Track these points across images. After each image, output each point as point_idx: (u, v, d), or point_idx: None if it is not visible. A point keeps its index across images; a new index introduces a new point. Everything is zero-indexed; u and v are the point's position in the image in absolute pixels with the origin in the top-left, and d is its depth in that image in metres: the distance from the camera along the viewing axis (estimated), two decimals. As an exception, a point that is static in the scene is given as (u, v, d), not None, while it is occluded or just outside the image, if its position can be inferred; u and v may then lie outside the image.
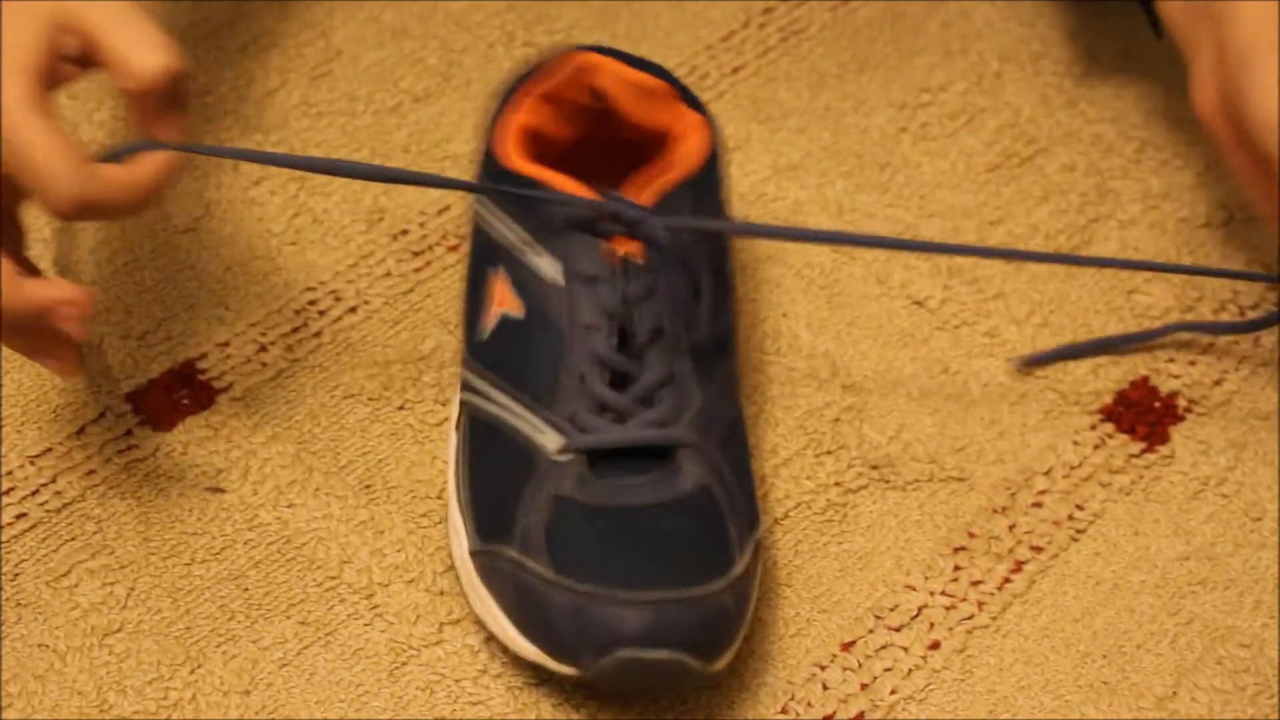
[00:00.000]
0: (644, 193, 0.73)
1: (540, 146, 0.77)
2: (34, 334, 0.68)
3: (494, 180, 0.75)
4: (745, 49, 0.95)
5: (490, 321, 0.74)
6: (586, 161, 0.80)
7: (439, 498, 0.76)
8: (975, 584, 0.75)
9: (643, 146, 0.79)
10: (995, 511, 0.77)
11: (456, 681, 0.71)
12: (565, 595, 0.66)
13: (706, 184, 0.75)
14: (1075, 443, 0.79)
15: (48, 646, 0.71)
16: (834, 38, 0.96)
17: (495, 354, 0.73)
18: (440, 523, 0.75)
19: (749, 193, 0.88)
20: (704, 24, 0.96)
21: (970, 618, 0.74)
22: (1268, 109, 0.60)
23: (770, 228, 0.73)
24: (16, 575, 0.73)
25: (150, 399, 0.78)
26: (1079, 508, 0.77)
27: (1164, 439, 0.80)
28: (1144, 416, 0.80)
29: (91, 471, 0.76)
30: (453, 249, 0.85)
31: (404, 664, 0.71)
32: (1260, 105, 0.60)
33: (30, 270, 0.70)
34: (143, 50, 0.66)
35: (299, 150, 0.88)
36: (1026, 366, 0.81)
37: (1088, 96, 0.94)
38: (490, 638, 0.71)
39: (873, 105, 0.93)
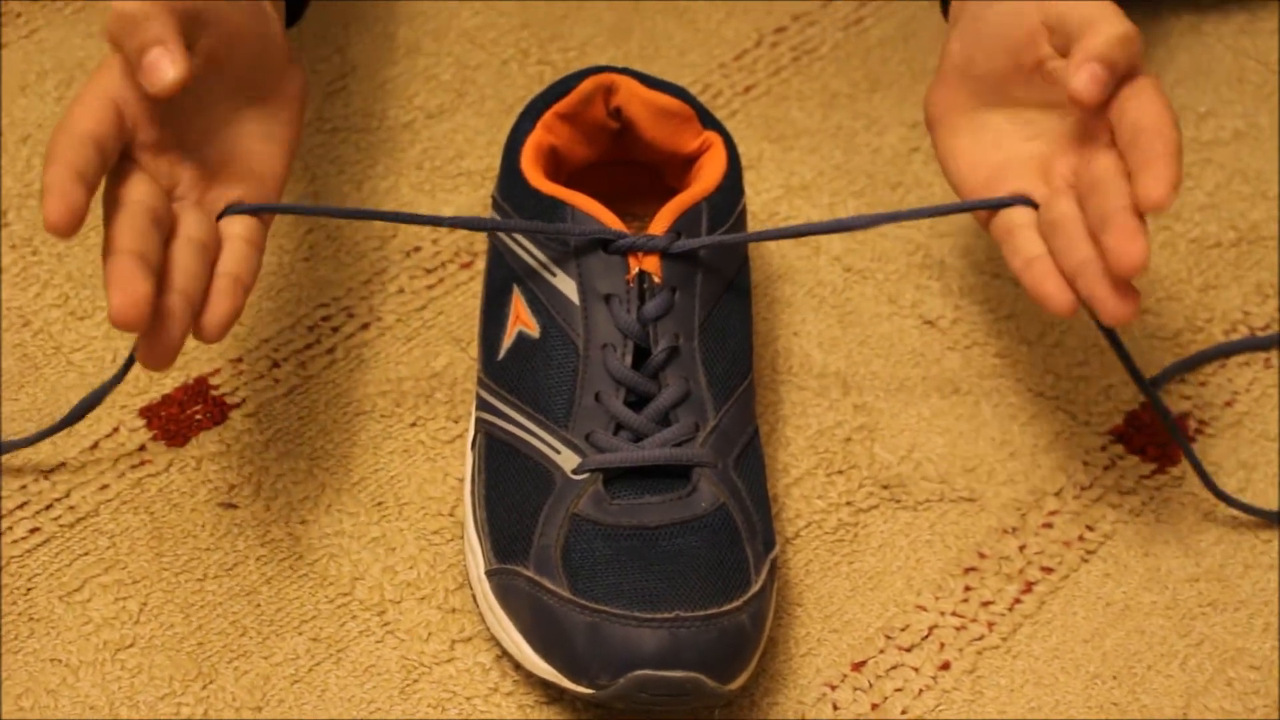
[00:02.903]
0: (662, 212, 0.73)
1: (559, 165, 0.77)
2: None
3: (514, 198, 0.75)
4: (757, 68, 0.95)
5: (506, 341, 0.74)
6: (605, 180, 0.80)
7: (451, 514, 0.76)
8: (986, 604, 0.75)
9: (661, 166, 0.79)
10: (1006, 532, 0.77)
11: (468, 699, 0.71)
12: (582, 615, 0.66)
13: (724, 203, 0.75)
14: (1086, 463, 0.79)
15: (60, 661, 0.71)
16: (846, 57, 0.96)
17: (511, 373, 0.73)
18: (452, 540, 0.75)
19: (761, 211, 0.88)
20: (717, 43, 0.96)
21: (981, 638, 0.74)
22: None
23: (770, 231, 0.76)
24: (29, 590, 0.73)
25: (163, 414, 0.79)
26: (1089, 529, 0.77)
27: (1175, 460, 0.80)
28: (1155, 438, 0.80)
29: (105, 486, 0.76)
30: (465, 266, 0.85)
31: (415, 681, 0.71)
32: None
33: None
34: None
35: (310, 166, 0.89)
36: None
37: (1099, 117, 0.94)
38: (502, 655, 0.71)
39: (885, 124, 0.93)
